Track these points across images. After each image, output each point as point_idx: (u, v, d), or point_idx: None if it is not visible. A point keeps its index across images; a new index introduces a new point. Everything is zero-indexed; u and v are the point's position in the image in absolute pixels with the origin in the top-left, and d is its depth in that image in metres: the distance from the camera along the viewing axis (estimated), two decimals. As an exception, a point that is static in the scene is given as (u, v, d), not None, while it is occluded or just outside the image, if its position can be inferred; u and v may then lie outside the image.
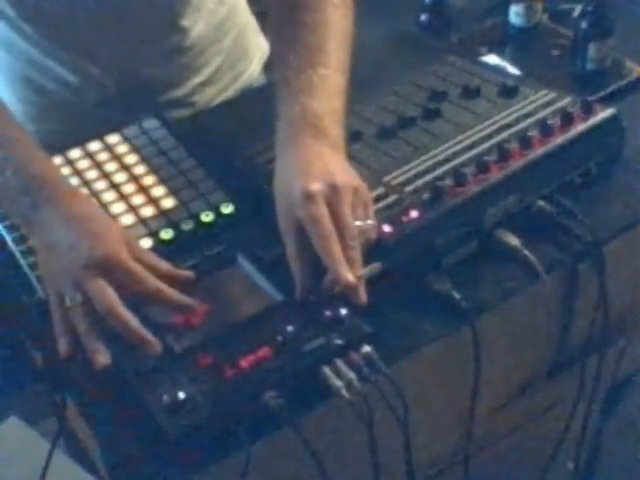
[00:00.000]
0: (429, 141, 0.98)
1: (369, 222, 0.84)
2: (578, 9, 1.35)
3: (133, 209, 0.97)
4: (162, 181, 1.01)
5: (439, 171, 0.93)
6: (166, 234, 0.93)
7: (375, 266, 0.83)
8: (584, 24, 1.28)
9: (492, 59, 1.30)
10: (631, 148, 1.00)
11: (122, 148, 1.06)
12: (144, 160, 1.04)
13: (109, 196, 0.99)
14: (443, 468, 0.99)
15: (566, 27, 1.39)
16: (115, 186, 1.00)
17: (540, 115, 0.99)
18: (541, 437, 1.09)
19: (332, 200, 0.82)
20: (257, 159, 0.98)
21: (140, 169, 1.03)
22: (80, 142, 1.07)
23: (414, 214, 0.87)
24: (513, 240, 0.90)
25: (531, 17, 1.40)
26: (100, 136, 1.08)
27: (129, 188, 1.00)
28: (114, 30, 1.11)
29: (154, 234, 0.93)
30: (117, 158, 1.05)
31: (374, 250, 0.84)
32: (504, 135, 0.97)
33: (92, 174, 1.02)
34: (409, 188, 0.91)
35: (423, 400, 0.85)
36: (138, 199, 0.98)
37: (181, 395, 0.74)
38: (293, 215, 0.82)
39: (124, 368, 0.78)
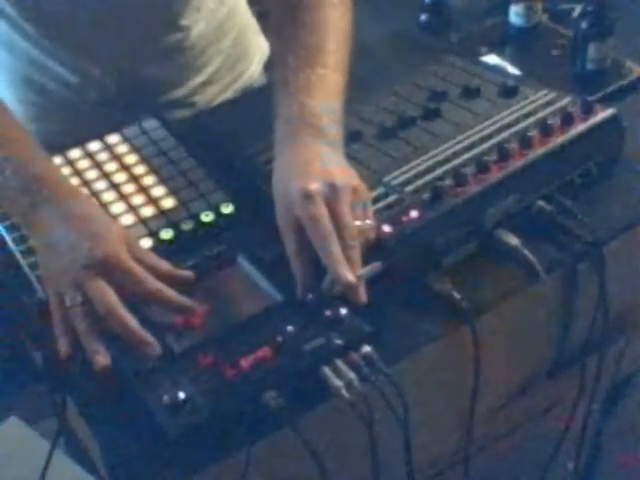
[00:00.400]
0: (429, 141, 0.98)
1: (368, 222, 0.84)
2: (578, 9, 1.35)
3: (133, 209, 0.97)
4: (162, 181, 1.01)
5: (439, 171, 0.93)
6: (166, 234, 0.93)
7: (375, 266, 0.83)
8: (584, 24, 1.28)
9: (492, 59, 1.30)
10: (631, 148, 1.00)
11: (122, 148, 1.06)
12: (144, 160, 1.04)
13: (109, 196, 0.99)
14: (443, 468, 0.99)
15: (566, 27, 1.39)
16: (115, 186, 1.00)
17: (540, 115, 0.99)
18: (541, 437, 1.09)
19: (331, 200, 0.82)
20: (257, 159, 0.98)
21: (140, 169, 1.03)
22: (80, 142, 1.07)
23: (414, 214, 0.87)
24: (513, 240, 0.90)
25: (531, 17, 1.40)
26: (100, 136, 1.08)
27: (129, 188, 1.00)
28: (114, 29, 1.11)
29: (154, 234, 0.93)
30: (117, 158, 1.05)
31: (374, 250, 0.84)
32: (504, 135, 0.97)
33: (92, 174, 1.02)
34: (409, 188, 0.91)
35: (423, 400, 0.85)
36: (138, 199, 0.98)
37: (181, 395, 0.74)
38: (292, 215, 0.82)
39: (124, 368, 0.78)
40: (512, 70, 1.25)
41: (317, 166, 0.84)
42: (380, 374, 0.77)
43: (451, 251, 0.89)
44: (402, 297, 0.86)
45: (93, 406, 0.80)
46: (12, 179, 0.85)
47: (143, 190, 0.99)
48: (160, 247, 0.91)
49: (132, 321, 0.78)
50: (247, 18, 1.31)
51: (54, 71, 1.14)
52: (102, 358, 0.77)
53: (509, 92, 1.04)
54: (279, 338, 0.78)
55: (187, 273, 0.85)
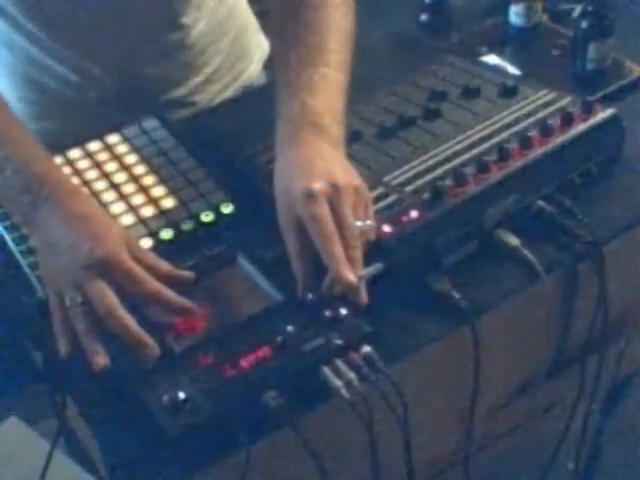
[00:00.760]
0: (429, 141, 0.98)
1: (369, 222, 0.84)
2: (578, 9, 1.35)
3: (133, 209, 0.97)
4: (162, 181, 1.01)
5: (439, 171, 0.93)
6: (166, 234, 0.93)
7: (376, 267, 0.83)
8: (584, 24, 1.28)
9: (492, 59, 1.31)
10: (631, 148, 1.00)
11: (122, 148, 1.06)
12: (144, 160, 1.04)
13: (109, 196, 0.99)
14: (443, 468, 0.99)
15: (566, 27, 1.39)
16: (115, 186, 1.00)
17: (540, 115, 0.99)
18: (541, 437, 1.09)
19: (334, 200, 0.82)
20: (257, 159, 0.98)
21: (140, 169, 1.03)
22: (80, 142, 1.07)
23: (414, 214, 0.87)
24: (513, 240, 0.90)
25: (531, 17, 1.40)
26: (100, 136, 1.08)
27: (129, 188, 1.00)
28: (115, 29, 1.11)
29: (154, 234, 0.93)
30: (117, 158, 1.05)
31: (374, 250, 0.84)
32: (504, 135, 0.97)
33: (92, 174, 1.02)
34: (409, 188, 0.91)
35: (423, 400, 0.85)
36: (138, 199, 0.98)
37: (181, 395, 0.74)
38: (294, 214, 0.82)
39: (124, 368, 0.78)
40: (512, 70, 1.26)
41: (319, 166, 0.84)
42: (380, 374, 0.77)
43: (451, 251, 0.89)
44: (402, 297, 0.86)
45: (93, 406, 0.80)
46: (13, 178, 0.85)
47: (143, 190, 0.99)
48: (160, 247, 0.91)
49: (131, 322, 0.78)
50: (247, 17, 1.31)
51: (54, 70, 1.14)
52: (101, 358, 0.77)
53: (509, 92, 1.04)
54: (279, 338, 0.78)
55: (187, 273, 0.85)
